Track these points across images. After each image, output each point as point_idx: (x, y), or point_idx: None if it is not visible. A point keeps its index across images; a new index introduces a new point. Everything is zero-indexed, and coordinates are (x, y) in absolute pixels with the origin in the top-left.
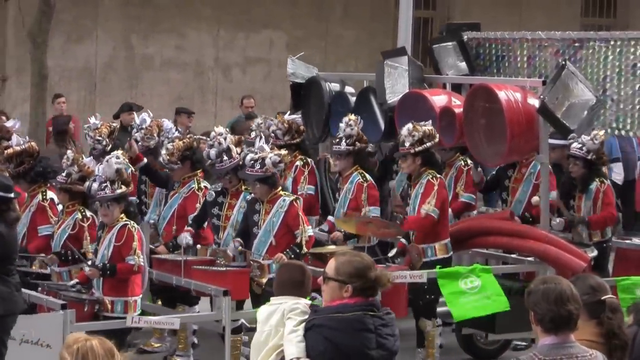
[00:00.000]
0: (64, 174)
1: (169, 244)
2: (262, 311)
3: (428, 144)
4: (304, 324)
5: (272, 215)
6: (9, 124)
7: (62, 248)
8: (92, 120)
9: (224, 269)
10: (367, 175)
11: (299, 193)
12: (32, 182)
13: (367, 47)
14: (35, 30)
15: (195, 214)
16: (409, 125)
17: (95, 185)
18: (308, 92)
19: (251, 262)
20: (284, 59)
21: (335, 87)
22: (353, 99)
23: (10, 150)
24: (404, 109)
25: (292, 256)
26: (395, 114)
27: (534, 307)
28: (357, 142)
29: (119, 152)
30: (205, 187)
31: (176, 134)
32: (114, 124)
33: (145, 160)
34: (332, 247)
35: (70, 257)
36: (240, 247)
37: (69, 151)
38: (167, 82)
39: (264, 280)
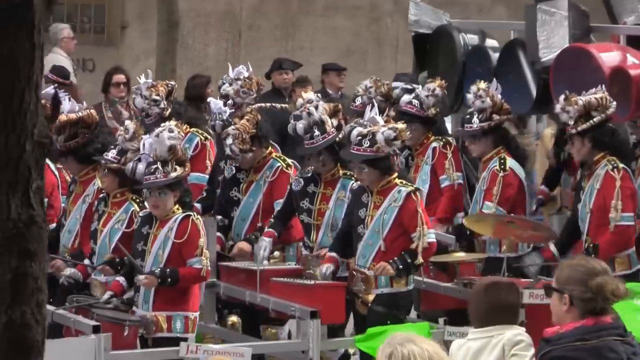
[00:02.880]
0: (114, 151)
1: (251, 237)
2: (455, 347)
3: (597, 118)
4: None
5: (382, 210)
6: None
7: (113, 252)
8: (143, 78)
9: (312, 282)
10: (510, 161)
11: (444, 185)
12: (83, 161)
13: None
14: None
15: (280, 207)
16: (562, 98)
17: (141, 167)
18: (436, 46)
19: (353, 273)
20: None
21: (473, 39)
22: (496, 56)
23: (63, 118)
24: (563, 70)
25: (400, 267)
26: (550, 75)
27: None
28: (493, 116)
29: (173, 124)
30: (294, 164)
31: (229, 111)
32: (172, 82)
33: None
34: (460, 255)
35: (125, 265)
36: (332, 270)
37: (127, 121)
38: (333, 31)
39: (371, 297)
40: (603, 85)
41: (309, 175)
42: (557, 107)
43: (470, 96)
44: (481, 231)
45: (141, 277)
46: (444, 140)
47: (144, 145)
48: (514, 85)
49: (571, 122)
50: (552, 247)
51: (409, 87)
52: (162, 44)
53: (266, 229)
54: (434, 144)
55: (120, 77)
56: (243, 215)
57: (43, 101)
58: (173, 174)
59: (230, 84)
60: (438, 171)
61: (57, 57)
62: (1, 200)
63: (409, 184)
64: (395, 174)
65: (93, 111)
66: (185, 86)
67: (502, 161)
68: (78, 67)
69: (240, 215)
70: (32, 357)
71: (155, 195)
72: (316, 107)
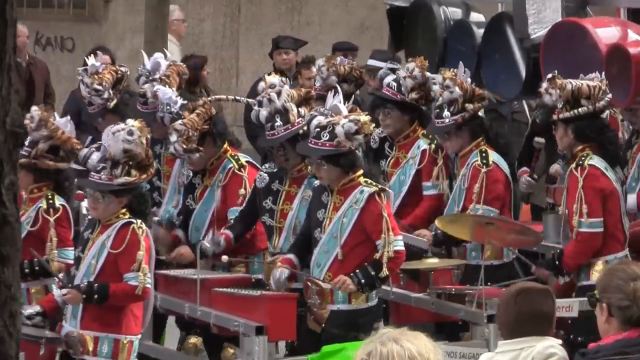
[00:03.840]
0: (26, 143)
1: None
2: None
3: (583, 109)
4: None
5: (341, 213)
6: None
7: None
8: (91, 60)
9: (258, 292)
10: (492, 154)
11: (429, 192)
12: None
13: None
14: None
15: (242, 207)
16: (547, 77)
17: (94, 158)
18: (414, 22)
19: (307, 284)
20: None
21: (455, 13)
22: (480, 32)
23: None
24: (554, 48)
25: (363, 281)
26: (540, 54)
27: None
28: (466, 105)
29: (135, 125)
30: (250, 163)
31: (179, 103)
32: (123, 69)
33: None
34: (433, 261)
35: (30, 269)
36: (286, 275)
37: (33, 108)
38: (345, 4)
39: (326, 314)
40: (602, 73)
41: (275, 170)
42: (542, 87)
43: (436, 88)
44: (457, 234)
45: (63, 290)
46: (435, 142)
47: (105, 136)
48: (501, 65)
49: (559, 106)
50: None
51: (395, 66)
52: (150, 19)
53: (221, 230)
54: (424, 146)
55: (103, 58)
56: (197, 224)
57: None
58: (120, 180)
59: (147, 79)
60: (424, 177)
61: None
62: None
63: (374, 183)
64: (360, 171)
65: None
66: None
67: (483, 154)
68: (56, 47)
69: (194, 224)
70: None
71: (94, 196)
72: (279, 93)
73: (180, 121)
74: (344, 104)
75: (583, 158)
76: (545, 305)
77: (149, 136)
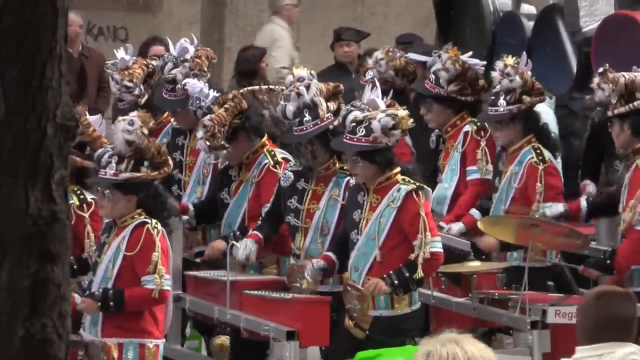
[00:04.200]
0: None
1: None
2: None
3: (637, 102)
4: None
5: (379, 213)
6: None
7: None
8: (121, 54)
9: (290, 296)
10: (547, 153)
11: (471, 177)
12: None
13: None
14: None
15: (268, 208)
16: (599, 71)
17: (105, 156)
18: (462, 13)
19: (347, 288)
20: None
21: (505, 4)
22: (530, 25)
23: None
24: (606, 42)
25: (396, 282)
26: (592, 48)
27: None
28: (524, 97)
29: (136, 115)
30: (286, 160)
31: (212, 95)
32: (154, 62)
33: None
34: (475, 264)
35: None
36: (321, 272)
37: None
38: None
39: (368, 319)
40: None
41: (300, 169)
42: (594, 82)
43: (495, 74)
44: (500, 236)
45: (78, 299)
46: (478, 124)
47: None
48: (552, 59)
49: (613, 102)
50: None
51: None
52: (207, 9)
53: (250, 232)
54: (467, 128)
55: (158, 49)
56: (230, 220)
57: None
58: (125, 175)
59: (176, 65)
60: (467, 160)
61: (275, 29)
62: (18, 193)
63: (412, 181)
64: (398, 169)
65: None
66: (235, 60)
67: (538, 151)
68: (108, 37)
69: (227, 220)
70: None
71: (100, 193)
72: (307, 87)
73: (208, 116)
74: (386, 98)
75: None
76: (627, 310)
77: (153, 125)
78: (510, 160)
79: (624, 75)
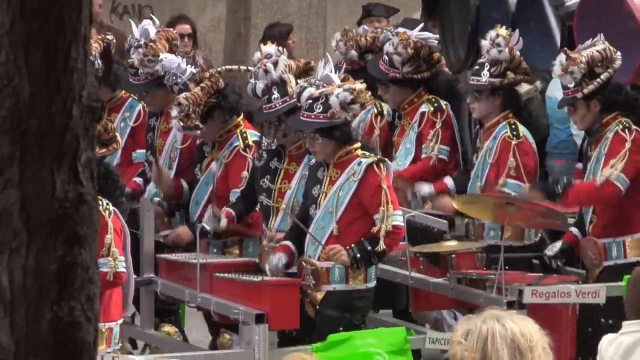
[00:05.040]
0: None
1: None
2: (606, 343)
3: (604, 75)
4: None
5: (337, 186)
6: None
7: None
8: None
9: (259, 278)
10: (521, 128)
11: (425, 155)
12: None
13: None
14: None
15: (242, 188)
16: (561, 57)
17: None
18: None
19: (302, 264)
20: None
21: None
22: (514, 1)
23: None
24: (588, 16)
25: (358, 255)
26: (574, 23)
27: None
28: (508, 73)
29: None
30: (257, 143)
31: (190, 71)
32: (109, 37)
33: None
34: (451, 244)
35: None
36: (284, 262)
37: None
38: None
39: (321, 295)
40: (601, 34)
41: (274, 148)
42: (557, 69)
43: (485, 43)
44: (477, 216)
45: None
46: (436, 105)
47: None
48: (536, 34)
49: (571, 86)
50: (575, 230)
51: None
52: None
53: (223, 208)
54: (424, 108)
55: (184, 28)
56: (197, 198)
57: None
58: None
59: (136, 48)
60: (423, 140)
61: None
62: (44, 175)
63: (373, 155)
64: (357, 144)
65: None
66: (261, 36)
67: (513, 126)
68: (133, 15)
69: (194, 198)
70: None
71: None
72: (275, 64)
73: (183, 95)
74: (339, 73)
75: (626, 123)
76: None
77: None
78: (487, 136)
79: (582, 55)
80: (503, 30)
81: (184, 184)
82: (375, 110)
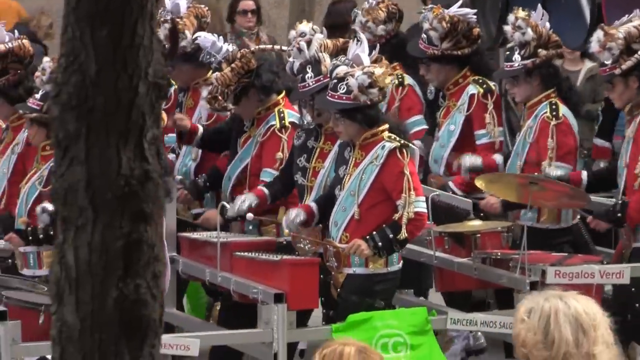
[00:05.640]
0: (37, 96)
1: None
2: None
3: None
4: None
5: (361, 169)
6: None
7: (29, 217)
8: None
9: (278, 257)
10: (562, 109)
11: (481, 141)
12: (13, 103)
13: None
14: None
15: (276, 167)
16: (598, 34)
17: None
18: None
19: (326, 246)
20: None
21: None
22: None
23: None
24: None
25: (380, 244)
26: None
27: None
28: (539, 50)
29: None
30: (294, 123)
31: (224, 49)
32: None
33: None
34: (475, 223)
35: (40, 234)
36: (302, 219)
37: (46, 59)
38: None
39: (342, 278)
40: (637, 10)
41: (311, 127)
42: (594, 45)
43: (507, 28)
44: (502, 195)
45: None
46: (485, 86)
47: None
48: (567, 12)
49: (608, 63)
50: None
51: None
52: None
53: (258, 187)
54: (472, 90)
55: (248, 4)
56: (230, 173)
57: None
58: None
59: (162, 23)
60: (474, 124)
61: None
62: (110, 153)
63: (398, 139)
64: (385, 126)
65: (26, 42)
66: (325, 12)
67: (553, 107)
68: None
69: (228, 173)
70: (148, 339)
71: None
72: (309, 43)
73: (215, 75)
74: (374, 52)
75: None
76: None
77: None
78: (529, 114)
79: (619, 31)
80: (521, 12)
81: (200, 128)
82: (397, 81)
